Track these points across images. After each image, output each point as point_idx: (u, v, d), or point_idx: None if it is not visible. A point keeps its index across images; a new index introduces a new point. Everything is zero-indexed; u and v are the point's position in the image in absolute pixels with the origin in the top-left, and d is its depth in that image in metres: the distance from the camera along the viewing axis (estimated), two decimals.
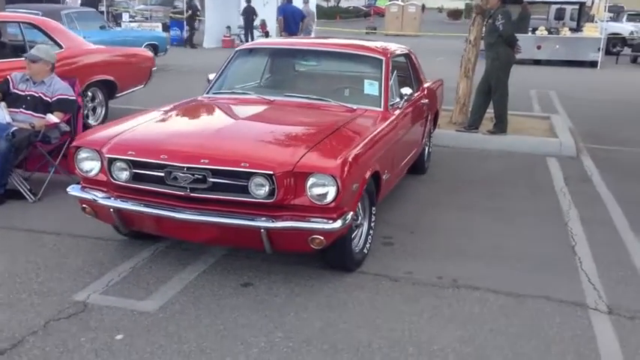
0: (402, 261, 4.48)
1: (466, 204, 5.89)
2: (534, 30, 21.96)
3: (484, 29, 8.65)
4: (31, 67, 5.63)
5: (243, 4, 24.91)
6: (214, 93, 5.36)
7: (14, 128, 5.22)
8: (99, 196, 4.01)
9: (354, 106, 4.93)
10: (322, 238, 3.72)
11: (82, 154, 4.09)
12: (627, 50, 23.57)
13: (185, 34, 23.60)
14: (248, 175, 3.69)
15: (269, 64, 5.82)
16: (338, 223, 3.72)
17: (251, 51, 5.77)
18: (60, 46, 7.72)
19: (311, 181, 3.68)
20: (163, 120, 4.57)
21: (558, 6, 25.63)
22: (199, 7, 23.19)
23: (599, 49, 20.10)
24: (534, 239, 5.02)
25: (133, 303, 3.76)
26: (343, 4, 64.06)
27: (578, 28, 22.40)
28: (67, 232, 4.84)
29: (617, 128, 9.95)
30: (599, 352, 3.38)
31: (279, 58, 5.82)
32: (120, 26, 20.90)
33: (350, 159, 3.83)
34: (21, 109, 5.57)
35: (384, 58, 5.33)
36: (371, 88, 5.15)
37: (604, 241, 4.99)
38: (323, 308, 3.77)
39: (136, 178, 3.91)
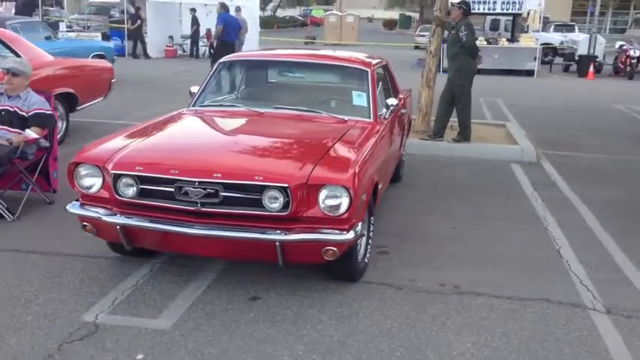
0: (402, 269, 4.55)
1: (447, 210, 6.03)
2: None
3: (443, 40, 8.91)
4: (11, 81, 5.43)
5: (185, 14, 24.75)
6: (201, 106, 5.31)
7: None
8: (103, 214, 3.91)
9: (345, 118, 4.98)
10: (335, 249, 3.75)
11: (83, 171, 3.99)
12: (559, 59, 24.62)
13: (126, 44, 23.14)
14: (261, 189, 3.69)
15: (253, 76, 5.82)
16: (351, 234, 3.77)
17: (234, 63, 5.74)
18: (19, 57, 7.46)
19: (324, 192, 3.71)
20: (162, 134, 4.49)
21: (493, 17, 26.55)
22: (143, 18, 22.73)
23: (535, 59, 20.90)
24: (520, 244, 5.19)
25: (145, 322, 3.68)
26: (279, 14, 64.24)
27: (512, 39, 23.21)
28: (55, 251, 4.69)
29: (567, 134, 10.38)
30: (609, 350, 3.54)
31: (263, 70, 5.83)
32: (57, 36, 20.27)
33: (359, 170, 3.89)
34: None
35: (369, 70, 5.41)
36: (359, 99, 5.22)
37: (585, 244, 5.20)
38: (336, 319, 3.79)
39: (143, 194, 3.84)
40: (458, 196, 6.54)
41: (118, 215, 3.88)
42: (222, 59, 5.72)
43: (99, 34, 22.94)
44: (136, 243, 4.03)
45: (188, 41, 24.69)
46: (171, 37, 24.23)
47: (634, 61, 21.07)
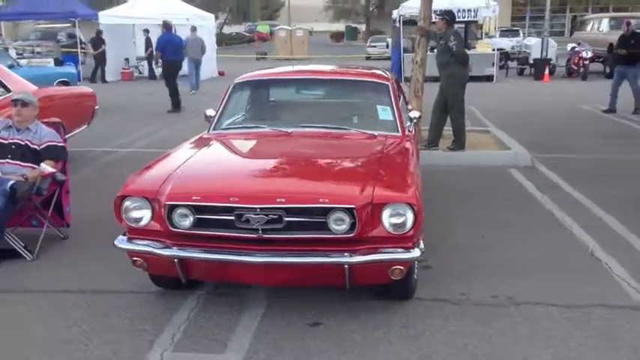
0: (449, 284, 4.50)
1: (467, 219, 6.03)
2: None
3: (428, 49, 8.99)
4: (21, 112, 5.18)
5: (139, 36, 24.30)
6: (222, 129, 5.17)
7: (12, 182, 4.76)
8: (157, 247, 3.75)
9: (375, 133, 4.94)
10: (403, 268, 3.70)
11: (131, 204, 3.82)
12: (512, 64, 25.19)
13: (81, 69, 22.56)
14: (326, 211, 3.60)
15: (270, 96, 5.73)
16: (417, 252, 3.72)
17: (250, 83, 5.62)
18: (7, 90, 7.19)
19: (387, 211, 3.65)
20: (202, 161, 4.35)
21: None
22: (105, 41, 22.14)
23: (493, 64, 21.32)
24: (552, 249, 5.22)
25: (215, 357, 3.54)
26: (225, 31, 63.94)
27: (468, 46, 23.63)
28: (91, 288, 4.49)
29: (549, 137, 10.56)
30: None
31: (280, 88, 5.74)
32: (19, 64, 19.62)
33: (417, 186, 3.85)
34: (7, 160, 5.10)
35: (389, 83, 5.40)
36: (384, 113, 5.19)
37: (615, 245, 5.24)
38: (406, 339, 3.72)
39: (199, 224, 3.70)
40: (471, 204, 6.56)
41: (175, 248, 3.73)
42: (237, 80, 5.60)
43: (51, 60, 22.34)
44: (191, 275, 3.88)
45: (144, 63, 24.29)
46: (127, 60, 23.77)
47: (587, 62, 21.72)
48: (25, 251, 5.01)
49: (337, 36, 64.81)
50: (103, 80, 22.15)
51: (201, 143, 4.80)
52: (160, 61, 15.26)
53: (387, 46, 33.54)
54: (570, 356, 3.53)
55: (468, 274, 4.68)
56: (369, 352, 3.58)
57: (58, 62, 22.38)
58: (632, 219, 5.93)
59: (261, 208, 3.59)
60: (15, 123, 5.23)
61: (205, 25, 23.87)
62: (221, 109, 5.37)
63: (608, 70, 21.42)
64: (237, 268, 3.71)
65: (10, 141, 5.18)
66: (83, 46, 28.13)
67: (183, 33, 22.52)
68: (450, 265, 4.88)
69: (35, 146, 5.19)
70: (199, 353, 3.60)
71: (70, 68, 17.21)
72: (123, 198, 3.84)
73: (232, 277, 3.87)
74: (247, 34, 65.70)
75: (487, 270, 4.78)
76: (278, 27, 47.01)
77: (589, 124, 12.18)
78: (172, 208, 3.70)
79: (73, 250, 5.29)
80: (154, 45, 21.20)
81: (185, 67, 17.20)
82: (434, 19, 9.70)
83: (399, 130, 5.04)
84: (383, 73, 5.61)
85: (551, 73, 22.40)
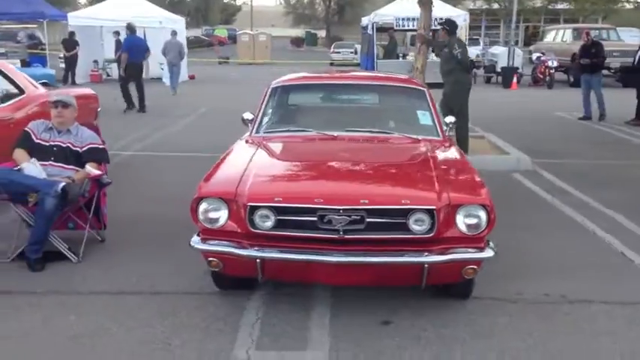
0: (500, 282, 4.62)
1: None
2: (404, 56, 23.42)
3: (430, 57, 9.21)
4: (62, 114, 5.13)
5: (107, 37, 23.93)
6: (267, 132, 5.22)
7: (63, 183, 4.72)
8: (236, 248, 3.80)
9: (418, 137, 5.07)
10: (476, 267, 3.84)
11: (207, 205, 3.86)
12: (478, 72, 25.77)
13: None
14: (406, 212, 3.71)
15: (310, 100, 5.80)
16: (490, 252, 3.87)
17: (287, 87, 5.69)
18: (22, 91, 7.07)
19: (462, 212, 3.78)
20: (269, 163, 4.40)
21: (413, 34, 27.52)
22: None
23: None
24: (583, 250, 5.45)
25: (301, 355, 3.62)
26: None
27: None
28: (149, 290, 4.49)
29: (540, 142, 10.84)
30: None
31: (319, 92, 5.81)
32: None
33: (487, 188, 4.00)
34: (50, 162, 5.04)
35: (425, 89, 5.56)
36: (424, 118, 5.33)
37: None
38: (479, 337, 3.84)
39: (280, 224, 3.76)
40: None
41: (256, 248, 3.78)
42: (274, 84, 5.66)
43: (18, 62, 21.79)
44: (269, 275, 3.93)
45: (112, 65, 23.91)
46: (95, 62, 23.42)
47: (552, 71, 22.40)
48: (70, 253, 4.96)
49: (297, 41, 65.04)
50: (73, 82, 21.73)
51: (254, 146, 4.83)
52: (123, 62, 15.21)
53: (355, 52, 33.77)
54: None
55: (514, 273, 4.84)
56: (447, 350, 3.69)
57: (25, 64, 21.86)
58: None
59: (344, 209, 3.68)
60: (56, 125, 5.18)
61: (176, 28, 23.67)
62: (261, 112, 5.42)
63: (572, 79, 22.18)
64: (316, 268, 3.79)
65: (52, 143, 5.13)
66: (43, 46, 27.56)
67: (154, 36, 22.51)
68: (492, 265, 5.02)
69: (77, 148, 5.15)
70: (283, 351, 3.66)
71: (45, 70, 16.91)
72: (200, 200, 3.87)
73: (310, 277, 3.93)
74: (206, 38, 65.25)
75: (530, 270, 4.95)
76: (240, 31, 46.80)
77: (572, 130, 12.61)
78: (253, 209, 3.75)
79: (112, 251, 5.26)
80: None
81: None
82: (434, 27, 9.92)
83: (440, 135, 5.19)
84: (414, 79, 5.76)
85: (517, 81, 23.03)
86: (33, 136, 5.12)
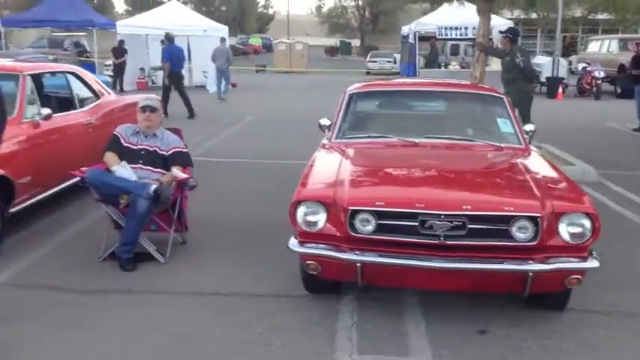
0: (592, 294, 4.51)
1: None
2: (446, 65, 23.31)
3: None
4: (150, 119, 5.23)
5: (152, 45, 24.32)
6: (346, 138, 5.25)
7: (155, 186, 4.82)
8: (337, 251, 3.82)
9: (501, 145, 5.06)
10: (580, 277, 3.80)
11: (306, 209, 3.90)
12: None
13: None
14: (509, 219, 3.70)
15: (388, 106, 5.83)
16: (595, 262, 3.82)
17: (365, 94, 5.73)
18: (97, 96, 7.24)
19: (566, 221, 3.75)
20: (363, 169, 4.44)
21: (453, 42, 27.48)
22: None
23: None
24: None
25: None
26: None
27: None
28: (243, 291, 4.55)
29: (599, 153, 10.64)
30: None
31: (397, 99, 5.84)
32: None
33: (588, 195, 3.98)
34: (139, 165, 5.14)
35: (504, 97, 5.54)
36: (505, 125, 5.32)
37: None
38: (583, 349, 3.80)
39: (380, 229, 3.79)
40: None
41: (356, 252, 3.80)
42: (352, 91, 5.69)
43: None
44: (367, 279, 3.95)
45: (158, 73, 24.27)
46: (142, 69, 23.78)
47: (599, 81, 22.10)
48: (158, 254, 5.05)
49: (332, 50, 65.29)
50: (122, 89, 22.11)
51: (339, 152, 4.87)
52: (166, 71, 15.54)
53: (395, 62, 33.69)
54: None
55: (605, 285, 4.71)
56: None
57: None
58: None
59: (445, 215, 3.68)
60: (143, 129, 5.28)
61: (219, 36, 23.98)
62: (340, 118, 5.46)
63: (619, 89, 21.87)
64: (416, 273, 3.79)
65: (140, 146, 5.23)
66: (88, 54, 28.12)
67: (197, 44, 22.84)
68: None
69: (163, 152, 5.24)
70: (386, 356, 3.67)
71: (100, 77, 17.23)
72: (298, 203, 3.92)
73: (409, 282, 3.95)
74: (241, 47, 65.86)
75: (622, 281, 4.87)
76: (277, 40, 47.10)
77: (628, 142, 12.41)
78: (354, 213, 3.78)
79: (195, 253, 5.34)
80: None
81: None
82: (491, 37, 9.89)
83: (522, 142, 5.16)
84: (492, 87, 5.76)
85: (562, 91, 22.76)
86: (122, 140, 5.23)
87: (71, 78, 6.96)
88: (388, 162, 4.72)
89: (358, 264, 3.78)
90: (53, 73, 7.09)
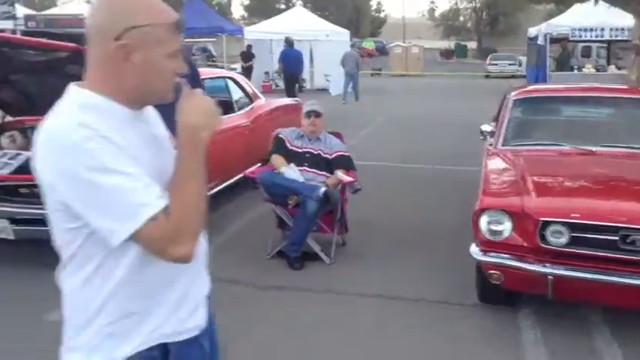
0: None
1: None
2: (580, 68, 22.26)
3: None
4: (315, 123, 5.33)
5: (278, 51, 24.90)
6: (513, 145, 5.09)
7: (324, 188, 4.89)
8: (529, 264, 3.69)
9: None
10: None
11: (489, 217, 3.80)
12: None
13: None
14: None
15: (556, 112, 5.62)
16: None
17: (531, 100, 5.55)
18: (251, 100, 7.47)
19: None
20: (542, 177, 4.29)
21: (584, 45, 26.23)
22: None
23: None
24: None
25: None
26: None
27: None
28: (409, 296, 4.53)
29: None
30: None
31: (564, 105, 5.62)
32: None
33: None
34: (304, 168, 5.23)
35: None
36: None
37: None
38: None
39: (573, 241, 3.62)
40: None
41: (547, 264, 3.66)
42: (514, 96, 5.53)
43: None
44: (557, 292, 3.79)
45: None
46: (266, 73, 24.41)
47: None
48: (324, 255, 5.12)
49: (447, 53, 64.20)
50: None
51: (510, 159, 4.72)
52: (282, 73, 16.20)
53: (519, 64, 32.61)
54: None
55: None
56: None
57: None
58: None
59: None
60: (307, 133, 5.36)
61: (341, 40, 24.21)
62: (505, 124, 5.30)
63: None
64: (613, 290, 3.60)
65: (304, 150, 5.32)
66: (214, 59, 29.20)
67: (319, 48, 23.15)
68: None
69: (327, 155, 5.30)
70: None
71: None
72: (482, 211, 3.82)
73: (604, 298, 3.76)
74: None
75: None
76: (393, 44, 46.93)
77: None
78: (546, 224, 3.63)
79: (356, 254, 5.38)
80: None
81: None
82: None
83: None
84: None
85: None
86: (287, 143, 5.34)
87: (230, 83, 7.21)
88: (568, 171, 4.53)
89: (550, 277, 3.63)
90: (216, 78, 7.36)
